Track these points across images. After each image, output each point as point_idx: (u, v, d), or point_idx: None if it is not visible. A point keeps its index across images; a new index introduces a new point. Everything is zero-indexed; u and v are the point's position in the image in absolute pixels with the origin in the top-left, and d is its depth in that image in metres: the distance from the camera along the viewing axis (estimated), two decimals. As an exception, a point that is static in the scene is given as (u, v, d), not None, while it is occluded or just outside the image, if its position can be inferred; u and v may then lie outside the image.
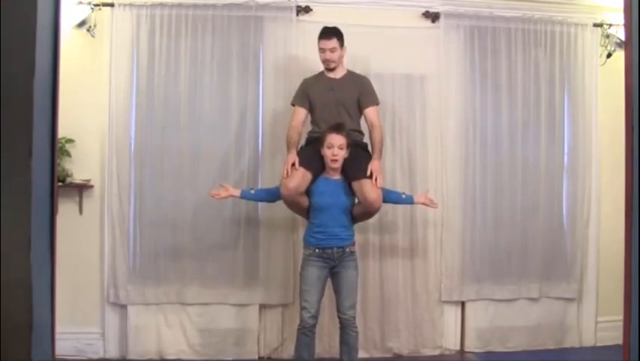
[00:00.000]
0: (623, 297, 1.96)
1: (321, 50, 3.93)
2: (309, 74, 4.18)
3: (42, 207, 1.76)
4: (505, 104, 4.79)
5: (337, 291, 3.81)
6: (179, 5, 4.48)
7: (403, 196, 4.03)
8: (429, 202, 4.01)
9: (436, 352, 4.70)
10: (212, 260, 4.51)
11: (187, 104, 4.50)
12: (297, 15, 4.58)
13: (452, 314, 4.80)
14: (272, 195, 3.93)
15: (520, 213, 4.78)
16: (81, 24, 4.37)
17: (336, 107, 3.96)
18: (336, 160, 3.71)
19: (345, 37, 3.97)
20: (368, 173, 3.76)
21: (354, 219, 3.89)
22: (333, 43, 3.91)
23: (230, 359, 4.51)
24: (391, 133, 4.62)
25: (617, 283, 2.24)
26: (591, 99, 4.87)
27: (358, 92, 4.01)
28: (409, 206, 4.40)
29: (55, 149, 1.87)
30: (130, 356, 4.45)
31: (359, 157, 3.86)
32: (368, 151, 4.00)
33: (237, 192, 3.93)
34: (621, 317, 1.97)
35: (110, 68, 4.45)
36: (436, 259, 4.70)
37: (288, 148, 3.91)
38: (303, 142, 4.06)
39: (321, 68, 4.09)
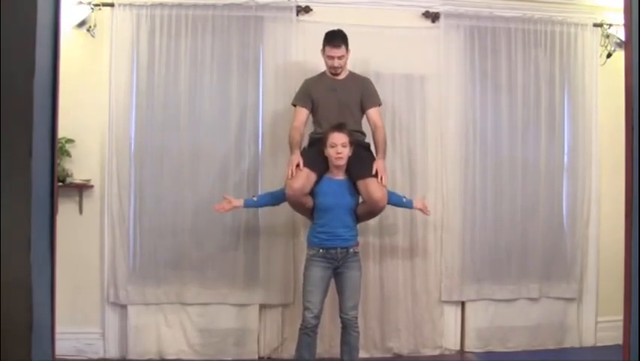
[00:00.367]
0: (623, 297, 1.96)
1: (329, 58, 3.93)
2: (309, 74, 4.18)
3: (42, 207, 1.76)
4: (505, 104, 4.79)
5: (340, 291, 3.81)
6: (179, 5, 4.48)
7: (404, 200, 4.07)
8: (424, 209, 4.06)
9: (436, 352, 4.70)
10: (213, 260, 4.51)
11: (187, 104, 4.50)
12: (297, 15, 4.58)
13: (452, 314, 4.80)
14: (275, 199, 3.93)
15: (521, 213, 4.78)
16: (81, 24, 4.37)
17: (339, 107, 3.97)
18: (340, 158, 3.71)
19: (345, 38, 3.98)
20: (373, 172, 3.77)
21: (358, 218, 3.90)
22: (342, 51, 3.92)
23: (230, 359, 4.51)
24: (391, 133, 4.61)
25: (617, 283, 2.24)
26: (591, 99, 4.87)
27: (361, 93, 4.03)
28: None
29: (55, 149, 1.87)
30: (130, 356, 4.45)
31: (363, 157, 3.88)
32: (371, 151, 4.02)
33: (240, 203, 3.94)
34: (621, 317, 1.97)
35: (110, 68, 4.45)
36: (436, 259, 4.70)
37: (292, 149, 3.90)
38: (305, 143, 4.05)
39: (321, 68, 4.09)
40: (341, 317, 3.81)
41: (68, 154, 4.37)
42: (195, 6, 4.49)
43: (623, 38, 4.27)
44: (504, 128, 4.80)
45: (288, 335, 4.53)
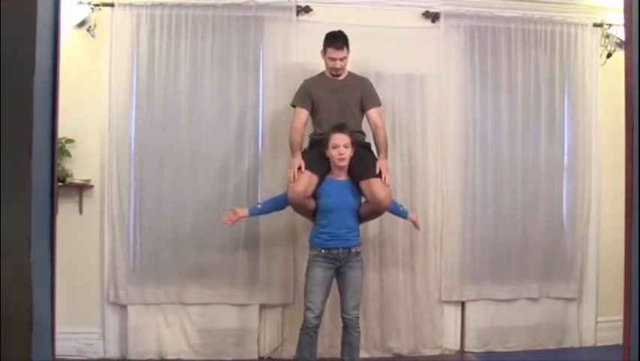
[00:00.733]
0: (623, 297, 1.96)
1: (331, 59, 3.92)
2: (309, 74, 4.18)
3: (42, 207, 1.76)
4: (505, 104, 4.79)
5: (342, 291, 3.81)
6: (179, 5, 4.48)
7: (401, 209, 4.10)
8: (416, 222, 4.11)
9: (436, 352, 4.70)
10: (213, 260, 4.51)
11: (187, 104, 4.50)
12: (297, 15, 4.58)
13: (452, 314, 4.80)
14: (279, 204, 3.93)
15: (521, 213, 4.78)
16: (81, 24, 4.37)
17: (340, 108, 3.97)
18: (343, 159, 3.70)
19: (345, 38, 3.98)
20: (376, 172, 3.77)
21: (361, 219, 3.90)
22: (344, 52, 3.92)
23: (230, 359, 4.51)
24: (391, 133, 4.60)
25: (617, 283, 2.24)
26: (591, 99, 4.87)
27: (361, 93, 4.04)
28: (408, 206, 4.40)
29: (55, 149, 1.87)
30: (130, 356, 4.45)
31: (364, 157, 3.89)
32: (372, 151, 4.02)
33: (246, 212, 3.93)
34: (621, 317, 1.97)
35: (110, 68, 4.45)
36: (436, 259, 4.70)
37: (293, 151, 3.90)
38: (305, 145, 4.05)
39: (321, 68, 4.09)
40: (342, 317, 3.81)
41: (68, 154, 4.37)
42: (195, 6, 4.49)
43: (623, 38, 4.27)
44: (504, 128, 4.80)
45: (288, 335, 4.53)
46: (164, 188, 4.48)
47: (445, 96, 4.71)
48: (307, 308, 3.72)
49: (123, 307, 4.48)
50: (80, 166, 4.43)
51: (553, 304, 4.84)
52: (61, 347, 3.95)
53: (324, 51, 3.96)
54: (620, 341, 2.16)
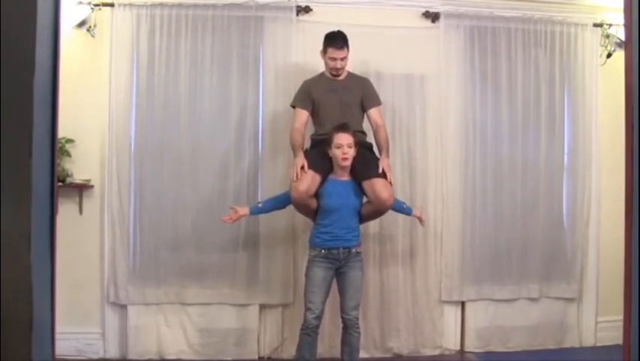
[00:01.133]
0: (623, 297, 1.96)
1: (332, 59, 3.92)
2: (309, 74, 4.18)
3: (42, 207, 1.76)
4: (505, 104, 4.79)
5: (342, 291, 3.81)
6: (179, 5, 4.48)
7: (405, 206, 4.10)
8: (421, 217, 4.15)
9: (436, 352, 4.70)
10: (213, 260, 4.51)
11: (187, 104, 4.50)
12: (297, 15, 4.58)
13: (452, 314, 4.80)
14: (280, 203, 3.93)
15: (521, 212, 4.78)
16: (81, 24, 4.37)
17: (341, 108, 3.97)
18: (346, 158, 3.70)
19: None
20: (379, 171, 3.78)
21: (362, 219, 3.90)
22: (345, 52, 3.92)
23: (230, 359, 4.51)
24: (391, 133, 4.59)
25: (617, 283, 2.23)
26: (591, 99, 4.87)
27: (362, 93, 4.04)
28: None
29: (55, 149, 1.87)
30: (130, 356, 4.45)
31: (366, 157, 3.89)
32: (373, 151, 4.02)
33: (246, 211, 3.92)
34: (621, 317, 1.97)
35: (110, 68, 4.45)
36: (436, 258, 4.70)
37: (295, 151, 3.89)
38: (307, 145, 4.05)
39: (321, 68, 4.09)
40: (342, 318, 3.81)
41: (68, 154, 4.37)
42: (195, 6, 4.49)
43: (623, 38, 4.27)
44: (504, 128, 4.80)
45: (288, 335, 4.53)
46: (164, 188, 4.48)
47: (445, 96, 4.71)
48: (307, 309, 3.72)
49: (123, 307, 4.48)
50: (80, 166, 4.43)
51: (553, 304, 4.84)
52: (61, 347, 3.95)
53: (324, 51, 3.96)
54: (620, 341, 2.15)
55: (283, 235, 4.54)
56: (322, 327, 3.98)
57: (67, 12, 4.15)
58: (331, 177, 3.81)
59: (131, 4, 4.44)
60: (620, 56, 4.57)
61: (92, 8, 4.38)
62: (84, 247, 4.45)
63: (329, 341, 4.39)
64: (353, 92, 4.02)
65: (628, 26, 2.00)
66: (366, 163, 3.83)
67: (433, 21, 4.72)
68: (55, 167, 1.89)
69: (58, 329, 1.96)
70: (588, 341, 4.89)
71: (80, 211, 4.48)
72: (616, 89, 2.53)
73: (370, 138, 4.10)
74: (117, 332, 4.51)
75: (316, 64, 4.16)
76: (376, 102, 4.08)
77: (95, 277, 4.49)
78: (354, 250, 3.78)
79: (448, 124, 4.72)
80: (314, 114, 4.04)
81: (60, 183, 4.26)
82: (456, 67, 4.74)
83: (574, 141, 4.88)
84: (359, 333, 3.83)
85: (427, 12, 4.72)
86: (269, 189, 4.48)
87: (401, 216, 4.56)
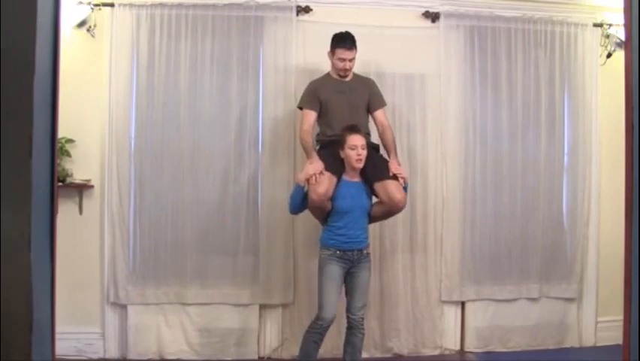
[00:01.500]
0: (623, 297, 1.96)
1: (340, 60, 3.91)
2: (309, 74, 4.19)
3: (42, 207, 1.76)
4: (505, 104, 4.79)
5: (350, 291, 3.78)
6: (179, 5, 4.48)
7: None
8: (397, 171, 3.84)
9: (436, 352, 4.70)
10: (213, 260, 4.51)
11: (187, 104, 4.50)
12: (297, 15, 4.58)
13: (452, 314, 4.80)
14: (301, 205, 3.78)
15: (520, 212, 4.78)
16: (81, 24, 4.37)
17: (350, 109, 3.96)
18: (360, 160, 3.70)
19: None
20: (391, 173, 3.78)
21: (371, 220, 3.88)
22: (353, 53, 3.92)
23: (230, 359, 4.51)
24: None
25: (617, 283, 2.24)
26: (591, 99, 4.87)
27: (368, 94, 4.05)
28: (408, 206, 4.41)
29: (55, 149, 1.87)
30: (130, 356, 4.45)
31: (375, 158, 3.90)
32: (379, 152, 4.02)
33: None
34: (621, 317, 1.97)
35: (110, 68, 4.45)
36: (435, 258, 4.70)
37: (308, 152, 3.87)
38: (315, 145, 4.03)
39: (321, 67, 4.08)
40: (348, 317, 3.79)
41: (68, 154, 4.37)
42: (195, 6, 4.49)
43: (623, 38, 4.27)
44: (504, 128, 4.80)
45: (288, 335, 4.54)
46: (164, 188, 4.48)
47: (445, 96, 4.71)
48: (323, 307, 3.66)
49: (123, 307, 4.48)
50: (79, 166, 4.43)
51: (553, 304, 4.84)
52: (61, 347, 3.94)
53: (333, 52, 3.94)
54: (620, 341, 2.15)
55: (283, 234, 4.53)
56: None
57: (67, 12, 4.15)
58: (344, 178, 3.79)
59: (131, 4, 4.44)
60: (620, 56, 4.58)
61: (92, 8, 4.38)
62: (84, 247, 4.45)
63: (330, 341, 4.36)
64: (360, 94, 4.02)
65: (628, 26, 2.00)
66: (377, 165, 3.83)
67: (433, 21, 4.72)
68: (55, 167, 1.89)
69: (58, 329, 1.96)
70: (588, 341, 4.89)
71: (80, 211, 4.48)
72: (616, 89, 2.53)
73: (374, 139, 4.09)
74: (117, 332, 4.50)
75: (316, 63, 4.16)
76: (382, 103, 4.09)
77: (95, 277, 4.49)
78: (365, 251, 3.77)
79: (448, 124, 4.72)
80: (321, 115, 4.00)
81: (60, 183, 4.26)
82: (456, 67, 4.74)
83: (574, 141, 4.88)
84: (363, 334, 3.82)
85: (427, 12, 4.72)
86: (269, 188, 4.49)
87: (401, 216, 4.57)
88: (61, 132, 3.52)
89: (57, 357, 2.03)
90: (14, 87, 1.64)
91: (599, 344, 4.85)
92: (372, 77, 4.34)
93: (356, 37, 4.08)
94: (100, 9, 4.40)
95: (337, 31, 3.99)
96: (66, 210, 4.35)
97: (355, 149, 3.68)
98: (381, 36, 4.59)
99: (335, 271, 3.69)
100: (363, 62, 4.43)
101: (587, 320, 4.90)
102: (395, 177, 3.79)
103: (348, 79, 4.01)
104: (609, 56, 4.82)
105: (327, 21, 4.38)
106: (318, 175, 3.70)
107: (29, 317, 1.65)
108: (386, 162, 3.89)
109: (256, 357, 4.54)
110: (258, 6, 4.54)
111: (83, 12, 4.37)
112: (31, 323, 1.65)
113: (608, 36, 4.83)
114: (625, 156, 1.95)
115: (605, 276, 4.80)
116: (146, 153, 4.48)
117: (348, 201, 3.73)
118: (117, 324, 4.50)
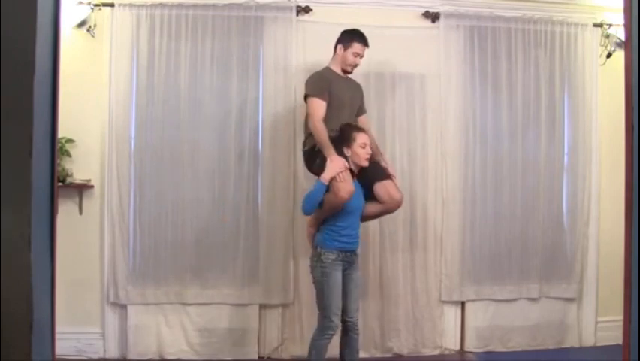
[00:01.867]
0: (623, 297, 1.96)
1: (355, 54, 3.87)
2: (308, 74, 4.16)
3: (42, 207, 1.76)
4: (505, 104, 4.79)
5: (347, 293, 3.67)
6: (179, 5, 4.48)
7: None
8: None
9: (436, 352, 4.70)
10: (213, 260, 4.51)
11: (187, 104, 4.50)
12: (297, 15, 4.58)
13: (452, 314, 4.80)
14: (318, 204, 3.68)
15: (520, 212, 4.78)
16: (81, 24, 4.37)
17: (351, 108, 3.95)
18: (368, 158, 3.69)
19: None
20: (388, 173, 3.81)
21: (362, 219, 3.84)
22: (366, 50, 3.92)
23: (230, 359, 4.51)
24: (391, 133, 4.63)
25: (617, 283, 2.24)
26: (591, 99, 4.88)
27: (361, 98, 4.07)
28: (408, 206, 4.40)
29: (55, 149, 1.87)
30: (130, 356, 4.45)
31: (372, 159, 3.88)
32: None
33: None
34: (621, 317, 1.97)
35: (110, 68, 4.45)
36: (435, 258, 4.70)
37: (326, 147, 3.64)
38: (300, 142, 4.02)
39: (321, 66, 4.04)
40: (344, 321, 3.68)
41: (68, 154, 4.37)
42: (195, 6, 4.49)
43: (623, 38, 4.27)
44: (504, 128, 4.80)
45: (288, 334, 4.54)
46: (164, 188, 4.48)
47: (445, 96, 4.71)
48: (333, 314, 3.55)
49: (123, 307, 4.48)
50: (79, 166, 4.43)
51: (553, 304, 4.84)
52: (61, 347, 3.94)
53: (348, 46, 3.85)
54: (620, 341, 2.15)
55: (283, 234, 4.53)
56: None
57: (67, 12, 4.15)
58: None
59: (131, 4, 4.44)
60: (620, 56, 4.58)
61: (92, 8, 4.39)
62: (84, 247, 4.45)
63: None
64: (357, 95, 4.03)
65: (628, 26, 2.00)
66: (376, 165, 3.82)
67: (433, 21, 4.72)
68: (55, 167, 1.89)
69: (58, 329, 1.96)
70: (588, 341, 4.89)
71: (80, 211, 4.48)
72: (616, 89, 2.53)
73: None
74: (117, 332, 4.50)
75: (316, 63, 4.15)
76: (365, 110, 4.14)
77: (95, 277, 4.49)
78: (357, 252, 3.77)
79: (448, 124, 4.72)
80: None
81: (60, 183, 4.26)
82: (456, 67, 4.74)
83: (574, 141, 4.89)
84: (358, 334, 3.79)
85: (427, 12, 4.72)
86: (269, 188, 4.48)
87: (401, 216, 4.58)
88: (61, 132, 3.53)
89: (57, 357, 2.03)
90: (14, 87, 1.64)
91: (599, 344, 4.85)
92: (372, 77, 4.35)
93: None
94: (100, 9, 4.40)
95: (337, 31, 3.97)
96: (66, 210, 4.35)
97: (365, 147, 3.66)
98: (381, 36, 4.57)
99: (339, 276, 3.60)
100: (363, 61, 4.42)
101: (587, 320, 4.90)
102: (389, 177, 3.80)
103: (349, 77, 3.99)
104: (609, 56, 4.82)
105: (327, 21, 4.38)
106: (343, 173, 3.59)
107: (29, 317, 1.65)
108: (379, 163, 3.89)
109: (256, 357, 4.54)
110: (258, 6, 4.54)
111: (83, 12, 4.38)
112: (31, 323, 1.65)
113: (608, 36, 4.83)
114: (625, 156, 1.95)
115: (605, 276, 4.80)
116: (146, 152, 4.48)
117: (354, 201, 3.66)
118: (117, 324, 4.51)
